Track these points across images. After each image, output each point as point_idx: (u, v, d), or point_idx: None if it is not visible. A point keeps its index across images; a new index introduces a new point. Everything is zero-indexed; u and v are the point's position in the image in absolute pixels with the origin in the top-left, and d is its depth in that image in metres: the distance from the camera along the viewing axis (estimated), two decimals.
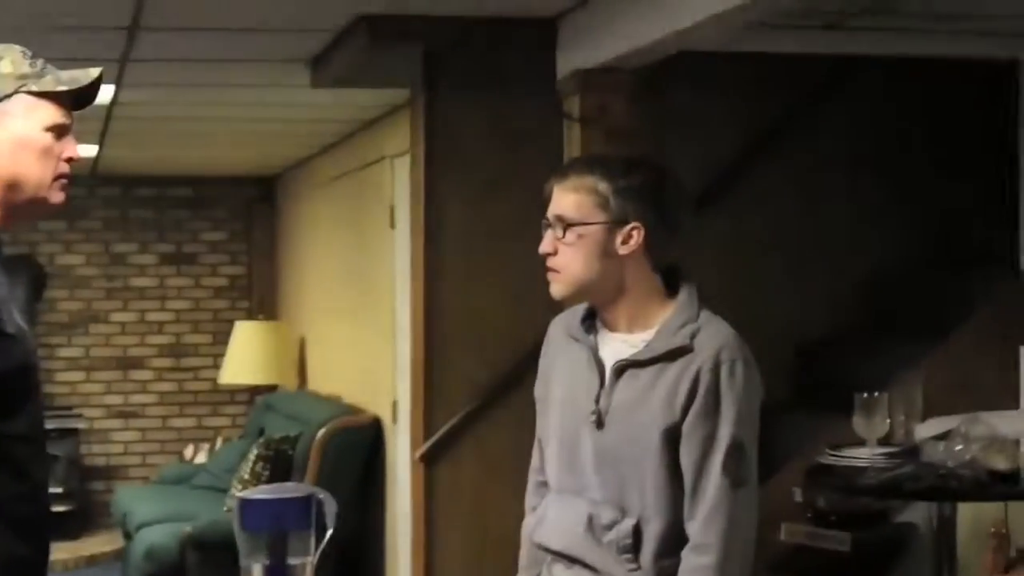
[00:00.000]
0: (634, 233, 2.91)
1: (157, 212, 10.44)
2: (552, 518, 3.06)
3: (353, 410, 7.52)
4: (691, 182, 5.52)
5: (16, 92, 2.75)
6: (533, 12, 5.27)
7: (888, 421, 4.11)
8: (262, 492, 5.04)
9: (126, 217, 10.40)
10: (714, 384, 2.86)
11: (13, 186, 2.74)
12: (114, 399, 10.35)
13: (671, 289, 3.00)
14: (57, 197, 2.80)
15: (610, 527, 2.94)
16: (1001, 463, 3.85)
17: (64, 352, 10.29)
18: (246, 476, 7.38)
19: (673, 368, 2.89)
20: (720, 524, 2.85)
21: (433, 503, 5.99)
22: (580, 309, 3.08)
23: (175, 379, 10.40)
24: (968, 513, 4.25)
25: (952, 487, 3.82)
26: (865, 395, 4.11)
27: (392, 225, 6.99)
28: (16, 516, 2.70)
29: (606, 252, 2.91)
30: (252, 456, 7.55)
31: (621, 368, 2.96)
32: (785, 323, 6.10)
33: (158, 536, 7.31)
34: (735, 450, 2.86)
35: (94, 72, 2.85)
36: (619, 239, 2.91)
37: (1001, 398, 4.50)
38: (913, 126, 6.15)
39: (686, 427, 2.87)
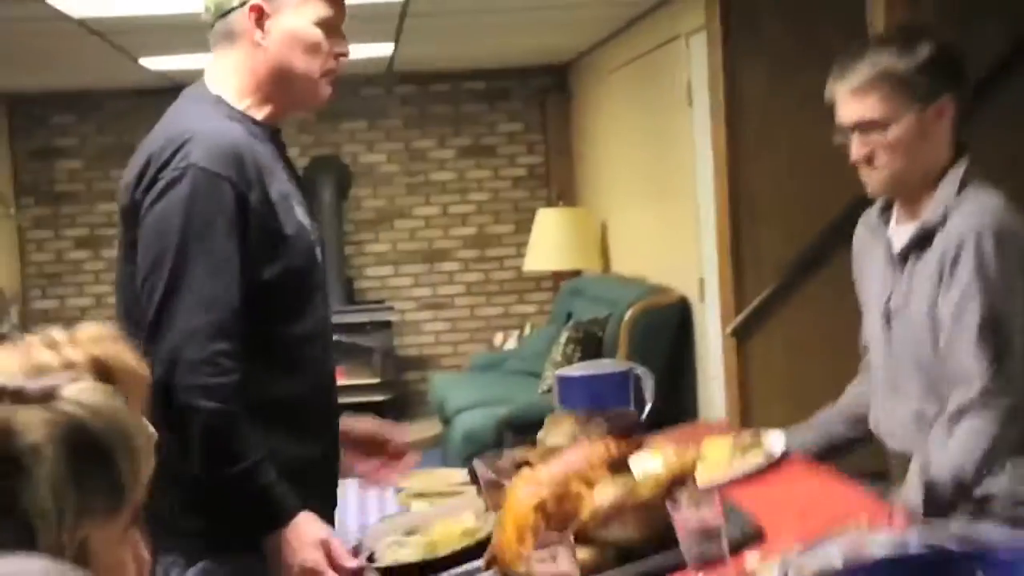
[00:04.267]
0: (945, 107, 2.83)
1: (453, 107, 10.62)
2: (886, 416, 3.02)
3: (659, 290, 7.57)
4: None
5: None
6: None
7: None
8: (580, 369, 5.17)
9: (424, 113, 10.61)
10: (958, 258, 2.76)
11: (282, 78, 2.82)
12: (422, 291, 10.63)
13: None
14: (324, 92, 2.88)
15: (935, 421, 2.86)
16: None
17: (372, 248, 10.62)
18: (558, 359, 7.53)
19: (933, 250, 2.82)
20: (974, 407, 2.73)
21: (747, 377, 6.04)
22: (879, 200, 3.01)
23: (480, 269, 10.63)
24: None
25: None
26: None
27: (690, 103, 6.97)
28: (304, 416, 2.80)
29: (923, 136, 2.83)
30: (563, 339, 7.69)
31: (902, 258, 2.91)
32: None
33: (476, 420, 7.52)
34: (991, 322, 2.75)
35: None
36: (931, 118, 2.83)
37: None
38: None
39: (941, 297, 2.80)
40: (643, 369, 5.39)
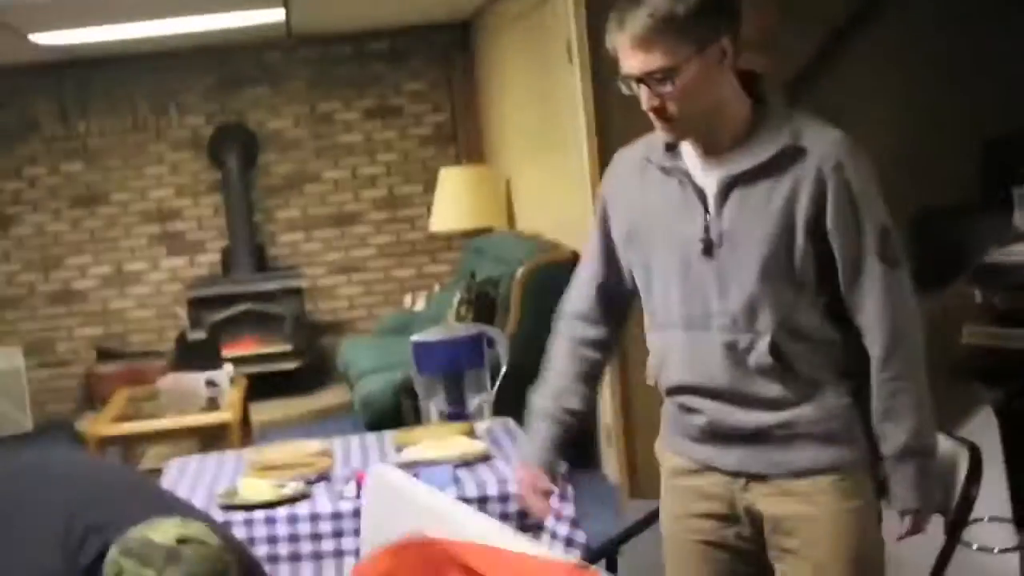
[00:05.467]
0: (726, 46, 2.84)
1: (357, 68, 10.54)
2: (681, 355, 3.02)
3: (552, 247, 7.55)
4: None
5: None
6: None
7: None
8: (434, 334, 5.16)
9: (328, 76, 10.53)
10: (845, 182, 2.83)
11: None
12: (335, 255, 10.59)
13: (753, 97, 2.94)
14: None
15: (749, 350, 2.92)
16: None
17: (282, 214, 10.55)
18: (451, 320, 7.51)
19: (788, 176, 2.85)
20: (891, 310, 2.86)
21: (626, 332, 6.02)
22: (657, 139, 3.00)
23: (392, 231, 10.58)
24: None
25: None
26: None
27: (571, 60, 6.93)
28: None
29: (707, 79, 2.83)
30: (455, 300, 7.67)
31: (729, 186, 2.90)
32: (971, 117, 5.91)
33: (375, 384, 7.49)
34: (886, 235, 2.86)
35: None
36: (713, 60, 2.83)
37: None
38: None
39: (831, 231, 2.84)
40: (496, 331, 5.41)
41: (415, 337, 4.97)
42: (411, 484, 3.56)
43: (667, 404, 3.13)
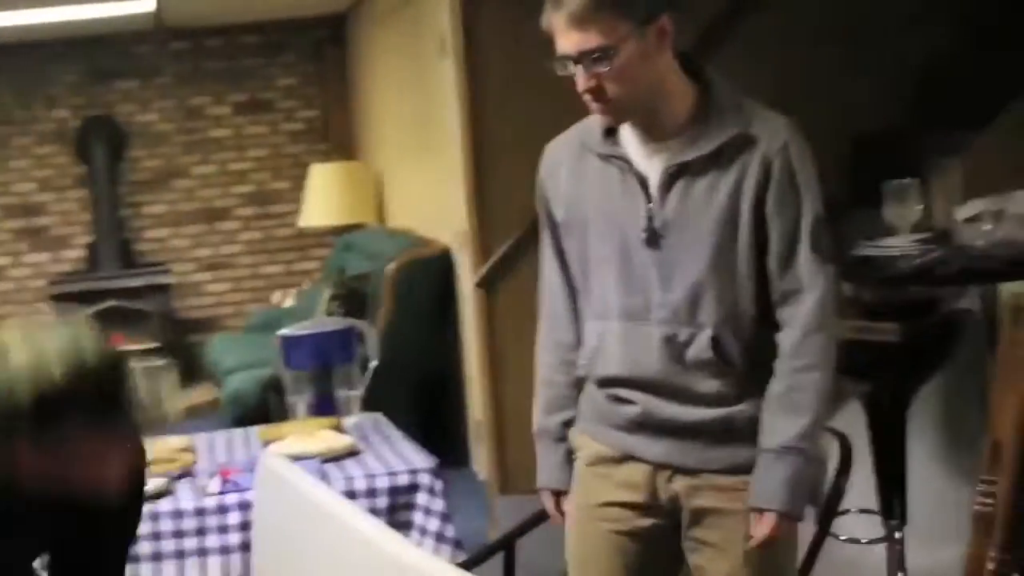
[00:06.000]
0: (664, 25, 2.77)
1: (229, 62, 10.40)
2: (617, 347, 2.95)
3: (424, 242, 7.50)
4: None
5: None
6: None
7: (920, 208, 4.01)
8: (302, 328, 5.09)
9: (198, 70, 10.37)
10: (788, 165, 2.79)
11: None
12: (203, 252, 10.43)
13: (693, 78, 2.88)
14: None
15: (688, 344, 2.87)
16: None
17: (150, 209, 10.37)
18: (321, 316, 7.41)
19: (736, 165, 2.80)
20: (815, 300, 2.80)
21: (495, 328, 6.00)
22: (594, 125, 2.94)
23: (261, 227, 10.45)
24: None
25: (980, 268, 3.71)
26: (895, 182, 4.00)
27: (445, 53, 6.88)
28: None
29: (646, 58, 2.76)
30: (326, 296, 7.58)
31: (674, 175, 2.84)
32: (841, 116, 5.95)
33: (241, 382, 7.39)
34: (819, 226, 2.81)
35: None
36: (652, 39, 2.76)
37: None
38: None
39: (769, 213, 2.80)
40: (365, 324, 5.35)
41: (282, 331, 4.89)
42: (300, 475, 3.50)
43: (594, 393, 3.04)
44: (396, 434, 4.70)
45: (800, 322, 2.81)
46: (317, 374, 4.78)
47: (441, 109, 6.99)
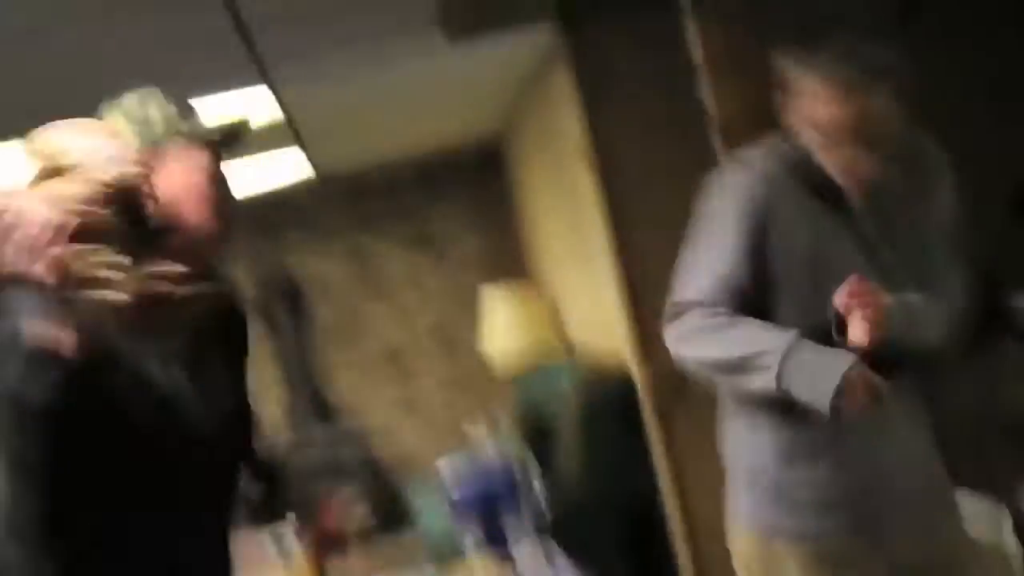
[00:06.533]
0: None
1: (390, 198, 10.37)
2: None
3: (601, 362, 7.29)
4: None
5: (167, 138, 2.76)
6: None
7: None
8: (471, 465, 4.96)
9: (361, 210, 10.37)
10: (951, 179, 3.37)
11: (172, 231, 2.72)
12: (392, 392, 10.37)
13: None
14: (217, 242, 2.80)
15: None
16: None
17: (337, 356, 10.36)
18: (501, 450, 7.26)
19: (922, 178, 3.23)
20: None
21: (675, 454, 5.75)
22: (787, 153, 3.25)
23: (446, 360, 10.36)
24: None
25: None
26: None
27: (581, 160, 6.72)
28: None
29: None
30: (507, 428, 7.45)
31: (880, 197, 3.21)
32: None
33: (434, 520, 7.30)
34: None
35: (239, 118, 2.83)
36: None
37: None
38: None
39: (948, 221, 3.33)
40: (532, 459, 5.18)
41: (452, 467, 4.81)
42: None
43: None
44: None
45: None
46: (487, 510, 4.72)
47: (587, 216, 6.83)
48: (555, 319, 9.18)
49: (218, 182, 2.78)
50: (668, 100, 5.41)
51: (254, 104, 6.40)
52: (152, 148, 2.72)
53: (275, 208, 10.27)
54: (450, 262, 10.39)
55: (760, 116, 4.87)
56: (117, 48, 4.90)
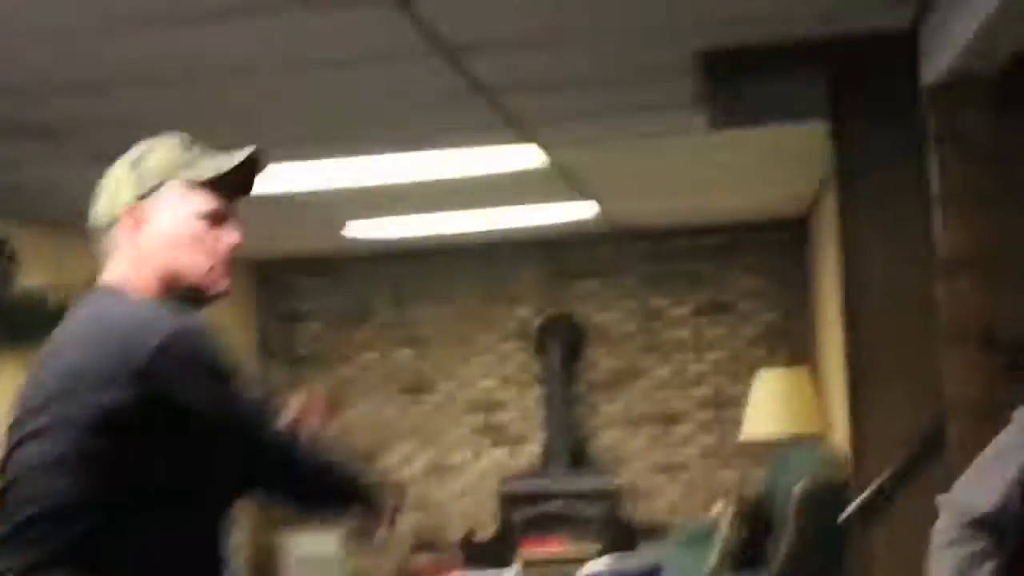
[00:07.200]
0: None
1: (689, 263, 10.29)
2: None
3: (839, 464, 7.01)
4: None
5: (163, 183, 2.73)
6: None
7: None
8: (606, 565, 4.79)
9: (658, 270, 10.32)
10: None
11: (170, 278, 2.73)
12: (656, 455, 10.25)
13: None
14: (220, 285, 2.77)
15: None
16: None
17: (606, 409, 10.32)
18: (724, 532, 7.07)
19: None
20: None
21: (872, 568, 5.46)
22: None
23: (716, 431, 10.17)
24: None
25: None
26: None
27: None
28: None
29: None
30: (730, 512, 7.23)
31: None
32: None
33: None
34: None
35: (239, 156, 2.77)
36: None
37: None
38: None
39: None
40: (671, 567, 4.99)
41: (589, 567, 4.64)
42: None
43: None
44: None
45: None
46: None
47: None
48: (823, 408, 8.91)
49: (220, 221, 2.76)
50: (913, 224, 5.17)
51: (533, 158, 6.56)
52: (148, 196, 2.72)
53: (574, 255, 10.32)
54: (736, 334, 10.21)
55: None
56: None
